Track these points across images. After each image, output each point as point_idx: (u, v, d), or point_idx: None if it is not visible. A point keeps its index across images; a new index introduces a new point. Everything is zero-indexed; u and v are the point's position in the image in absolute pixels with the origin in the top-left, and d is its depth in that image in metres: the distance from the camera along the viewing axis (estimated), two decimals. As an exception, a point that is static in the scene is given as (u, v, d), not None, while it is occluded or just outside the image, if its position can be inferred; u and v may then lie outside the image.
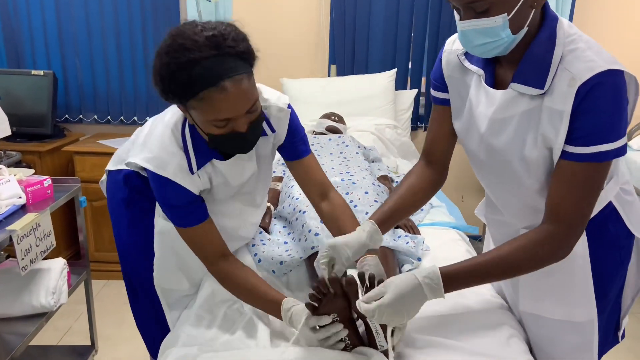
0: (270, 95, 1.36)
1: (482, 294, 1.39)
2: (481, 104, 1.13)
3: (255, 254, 1.60)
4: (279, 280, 1.55)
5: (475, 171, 1.29)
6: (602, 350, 1.25)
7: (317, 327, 1.16)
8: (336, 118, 2.74)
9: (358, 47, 3.21)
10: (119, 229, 1.58)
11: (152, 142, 1.27)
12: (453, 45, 1.22)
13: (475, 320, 1.27)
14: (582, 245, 1.14)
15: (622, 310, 1.25)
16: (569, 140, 1.01)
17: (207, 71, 1.07)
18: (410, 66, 3.27)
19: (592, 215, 1.10)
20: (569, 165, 1.02)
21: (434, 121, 1.32)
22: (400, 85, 3.24)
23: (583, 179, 1.02)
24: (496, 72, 1.13)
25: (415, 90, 3.26)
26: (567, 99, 0.98)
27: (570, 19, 2.96)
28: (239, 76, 1.10)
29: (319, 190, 1.43)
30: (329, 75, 3.30)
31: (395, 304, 1.05)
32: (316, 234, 1.58)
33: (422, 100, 3.35)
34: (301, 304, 1.21)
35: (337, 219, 1.38)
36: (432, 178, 1.32)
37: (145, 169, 1.29)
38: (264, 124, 1.32)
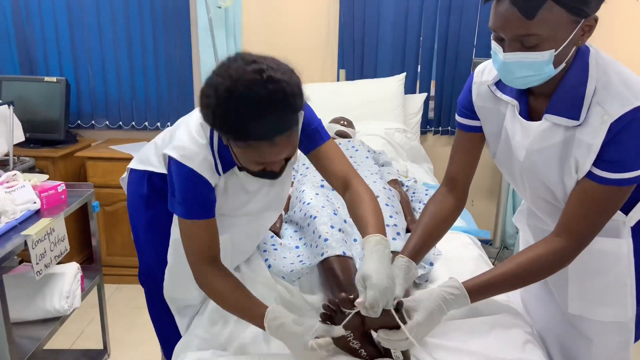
0: None
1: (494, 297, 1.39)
2: (517, 135, 1.16)
3: (266, 260, 1.61)
4: (291, 284, 1.56)
5: (517, 192, 1.34)
6: None
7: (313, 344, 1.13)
8: (345, 122, 2.75)
9: (367, 51, 3.22)
10: (137, 228, 1.60)
11: (182, 133, 1.29)
12: (482, 77, 1.22)
13: (488, 324, 1.26)
14: (627, 246, 1.18)
15: None
16: (595, 163, 1.04)
17: (263, 128, 1.06)
18: (419, 70, 3.27)
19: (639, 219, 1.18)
20: (591, 185, 1.06)
21: (459, 147, 1.32)
22: (409, 89, 3.25)
23: (602, 200, 1.07)
24: (529, 102, 1.15)
25: (425, 94, 3.26)
26: (598, 134, 1.01)
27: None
28: (290, 131, 1.11)
29: (339, 181, 1.36)
30: (338, 80, 3.31)
31: (426, 325, 1.12)
32: (325, 240, 1.58)
33: (432, 104, 3.35)
34: (290, 316, 1.17)
35: (356, 211, 1.29)
36: (455, 204, 1.34)
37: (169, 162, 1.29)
38: None
